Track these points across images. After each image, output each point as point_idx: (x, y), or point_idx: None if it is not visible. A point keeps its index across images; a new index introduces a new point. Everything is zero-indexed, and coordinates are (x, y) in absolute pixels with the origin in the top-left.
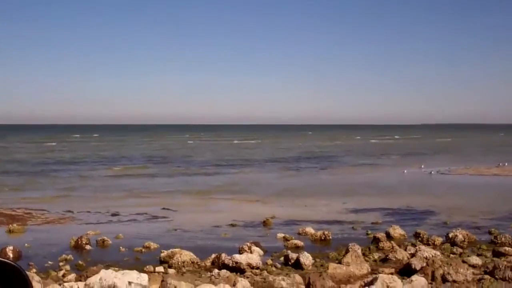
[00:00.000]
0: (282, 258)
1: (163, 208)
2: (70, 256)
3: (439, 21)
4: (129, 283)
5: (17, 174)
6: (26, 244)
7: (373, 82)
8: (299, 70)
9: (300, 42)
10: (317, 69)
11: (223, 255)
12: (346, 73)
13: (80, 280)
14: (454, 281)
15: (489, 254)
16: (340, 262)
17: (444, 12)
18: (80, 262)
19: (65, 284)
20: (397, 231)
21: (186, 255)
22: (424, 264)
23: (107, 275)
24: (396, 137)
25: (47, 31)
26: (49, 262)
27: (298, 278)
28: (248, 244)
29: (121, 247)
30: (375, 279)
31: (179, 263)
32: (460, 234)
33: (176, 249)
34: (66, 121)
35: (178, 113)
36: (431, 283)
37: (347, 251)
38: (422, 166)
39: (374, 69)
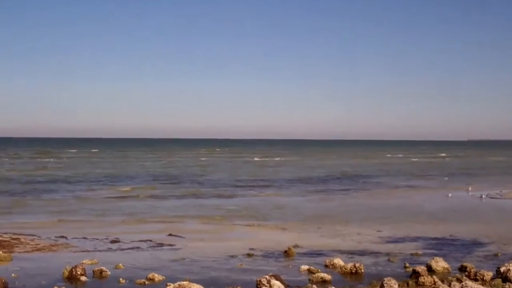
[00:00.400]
0: None
1: (170, 235)
2: None
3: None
4: None
5: (5, 194)
6: (12, 274)
7: (411, 90)
8: (318, 75)
9: (326, 43)
10: (344, 76)
11: None
12: (379, 80)
13: None
14: None
15: None
16: None
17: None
18: None
19: None
20: (440, 264)
21: None
22: None
23: None
24: (442, 155)
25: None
26: None
27: None
28: (267, 277)
29: (121, 279)
30: None
31: None
32: None
33: (185, 282)
34: (61, 134)
35: (189, 126)
36: None
37: (382, 287)
38: (470, 189)
39: (412, 75)
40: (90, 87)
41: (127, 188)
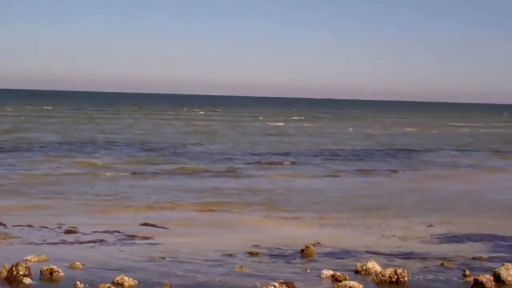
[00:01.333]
0: None
1: (144, 224)
2: None
3: None
4: None
5: None
6: None
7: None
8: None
9: None
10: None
11: None
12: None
13: None
14: None
15: None
16: None
17: None
18: None
19: None
20: (511, 272)
21: None
22: None
23: None
24: None
25: None
26: None
27: None
28: (277, 284)
29: (78, 282)
30: None
31: None
32: None
33: None
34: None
35: (186, 77)
36: None
37: None
38: None
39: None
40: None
41: (94, 162)
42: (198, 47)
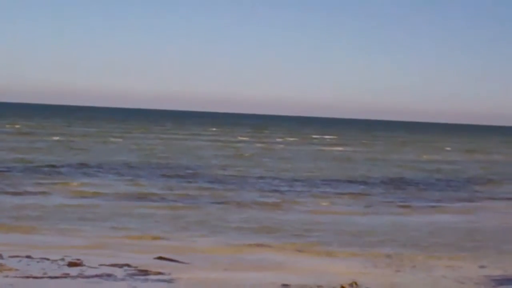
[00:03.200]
0: None
1: (159, 258)
2: None
3: None
4: None
5: None
6: None
7: None
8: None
9: None
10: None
11: None
12: None
13: None
14: None
15: None
16: None
17: None
18: None
19: None
20: None
21: None
22: None
23: None
24: None
25: None
26: None
27: None
28: None
29: None
30: None
31: None
32: None
33: None
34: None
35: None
36: None
37: None
38: None
39: None
40: None
41: (98, 182)
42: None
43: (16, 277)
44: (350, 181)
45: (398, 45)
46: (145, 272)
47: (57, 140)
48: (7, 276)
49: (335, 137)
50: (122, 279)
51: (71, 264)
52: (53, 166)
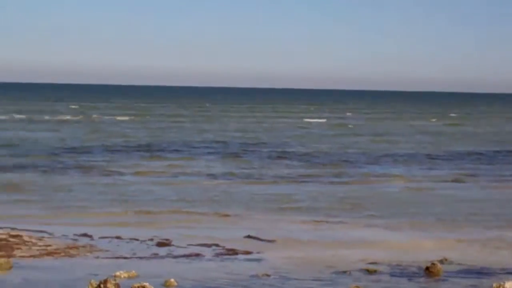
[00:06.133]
0: None
1: (248, 237)
2: None
3: None
4: None
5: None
6: None
7: None
8: None
9: None
10: None
11: None
12: None
13: None
14: None
15: None
16: None
17: None
18: None
19: None
20: None
21: None
22: None
23: None
24: None
25: None
26: None
27: None
28: None
29: None
30: None
31: None
32: None
33: None
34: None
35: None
36: None
37: None
38: None
39: None
40: None
41: (174, 160)
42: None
43: (106, 258)
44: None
45: None
46: (233, 252)
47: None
48: (97, 257)
49: None
50: (211, 259)
51: (160, 244)
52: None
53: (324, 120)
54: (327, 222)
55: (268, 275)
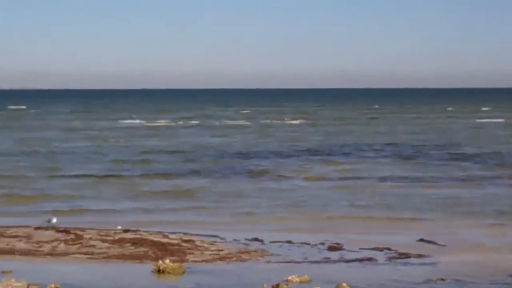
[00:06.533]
0: None
1: (421, 240)
2: None
3: None
4: None
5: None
6: None
7: None
8: None
9: None
10: None
11: None
12: None
13: None
14: None
15: None
16: None
17: None
18: None
19: None
20: None
21: None
22: None
23: None
24: None
25: None
26: None
27: None
28: None
29: None
30: None
31: None
32: None
33: None
34: None
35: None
36: None
37: None
38: None
39: None
40: None
41: (347, 164)
42: None
43: (277, 262)
44: None
45: None
46: (405, 255)
47: None
48: (269, 262)
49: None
50: (383, 263)
51: (331, 249)
52: None
53: (501, 120)
54: (501, 225)
55: (443, 279)
